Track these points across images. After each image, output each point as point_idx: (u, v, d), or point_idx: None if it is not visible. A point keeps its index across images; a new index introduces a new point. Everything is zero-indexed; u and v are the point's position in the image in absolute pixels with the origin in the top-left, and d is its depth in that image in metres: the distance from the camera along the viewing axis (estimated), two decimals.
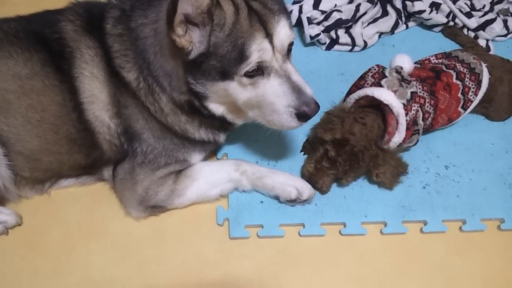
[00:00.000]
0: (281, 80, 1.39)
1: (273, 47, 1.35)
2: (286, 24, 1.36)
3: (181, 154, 1.63)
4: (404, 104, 1.63)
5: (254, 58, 1.32)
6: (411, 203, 1.75)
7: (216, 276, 1.58)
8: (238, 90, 1.40)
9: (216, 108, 1.52)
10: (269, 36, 1.33)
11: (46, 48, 1.52)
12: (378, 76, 1.70)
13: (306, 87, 1.41)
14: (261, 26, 1.32)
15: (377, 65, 1.75)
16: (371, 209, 1.73)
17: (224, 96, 1.45)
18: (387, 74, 1.69)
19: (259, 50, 1.31)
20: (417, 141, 1.75)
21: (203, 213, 1.70)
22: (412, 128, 1.67)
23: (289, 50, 1.43)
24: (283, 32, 1.35)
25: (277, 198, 1.69)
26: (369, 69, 1.75)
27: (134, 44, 1.49)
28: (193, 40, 1.32)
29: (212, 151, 1.78)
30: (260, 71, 1.36)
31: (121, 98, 1.54)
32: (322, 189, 1.70)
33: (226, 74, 1.36)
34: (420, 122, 1.69)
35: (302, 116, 1.42)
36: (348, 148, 1.61)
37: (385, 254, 1.67)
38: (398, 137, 1.66)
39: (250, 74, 1.35)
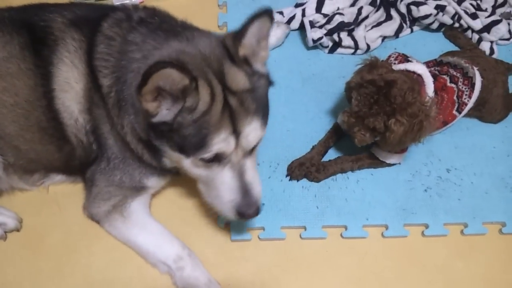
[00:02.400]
0: (234, 175, 1.37)
1: (237, 143, 1.32)
2: (257, 126, 1.33)
3: (137, 173, 1.57)
4: (433, 82, 1.66)
5: (213, 149, 1.29)
6: (412, 206, 1.75)
7: (217, 279, 1.57)
8: (191, 166, 1.38)
9: (170, 163, 1.49)
10: (236, 132, 1.30)
11: (30, 33, 1.50)
12: (401, 57, 1.74)
13: (255, 188, 1.39)
14: (230, 122, 1.28)
15: (397, 52, 1.79)
16: (373, 212, 1.73)
17: (178, 163, 1.43)
18: (409, 55, 1.74)
19: (220, 142, 1.28)
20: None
21: (204, 215, 1.70)
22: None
23: (254, 147, 1.40)
24: (252, 134, 1.33)
25: None
26: (390, 55, 1.78)
27: (119, 55, 1.44)
28: (162, 107, 1.27)
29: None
30: (217, 159, 1.34)
31: (95, 96, 1.50)
32: (355, 138, 1.62)
33: (183, 151, 1.33)
34: None
35: (241, 215, 1.41)
36: (367, 85, 1.54)
37: (386, 257, 1.67)
38: None
39: (206, 160, 1.33)
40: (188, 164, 1.38)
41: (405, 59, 1.74)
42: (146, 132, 1.39)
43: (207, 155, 1.30)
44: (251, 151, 1.40)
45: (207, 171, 1.38)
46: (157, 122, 1.29)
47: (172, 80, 1.18)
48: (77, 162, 1.61)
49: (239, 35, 1.30)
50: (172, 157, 1.41)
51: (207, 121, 1.25)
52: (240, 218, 1.43)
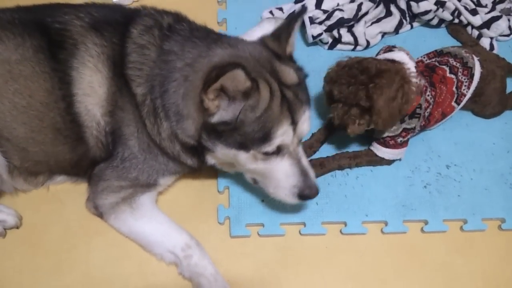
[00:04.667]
0: (293, 162, 1.46)
1: (294, 133, 1.42)
2: (309, 115, 1.45)
3: (155, 172, 1.60)
4: (415, 67, 1.64)
5: (277, 141, 1.38)
6: (412, 202, 1.76)
7: None
8: (249, 160, 1.44)
9: (212, 160, 1.54)
10: (294, 123, 1.40)
11: (44, 36, 1.51)
12: (388, 48, 1.76)
13: (311, 171, 1.50)
14: (289, 114, 1.38)
15: (386, 45, 1.80)
16: (372, 208, 1.73)
17: (230, 159, 1.48)
18: (396, 46, 1.75)
19: (283, 134, 1.38)
20: (415, 128, 1.71)
21: (204, 211, 1.71)
22: (419, 96, 1.63)
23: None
24: (306, 123, 1.44)
25: None
26: (380, 49, 1.80)
27: (156, 64, 1.48)
28: (221, 107, 1.34)
29: None
30: (277, 151, 1.42)
31: (119, 100, 1.52)
32: (348, 128, 1.63)
33: (243, 146, 1.39)
34: (423, 106, 1.68)
35: (304, 197, 1.50)
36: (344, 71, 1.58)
37: (386, 253, 1.67)
38: None
39: (267, 153, 1.41)
40: (245, 159, 1.43)
41: (389, 49, 1.75)
42: (197, 135, 1.43)
43: (271, 147, 1.38)
44: (300, 140, 1.50)
45: (266, 164, 1.44)
46: (216, 122, 1.36)
47: (237, 81, 1.27)
48: (88, 162, 1.62)
49: (285, 35, 1.45)
50: (226, 154, 1.44)
51: (269, 116, 1.34)
52: (302, 200, 1.52)
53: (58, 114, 1.52)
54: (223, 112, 1.34)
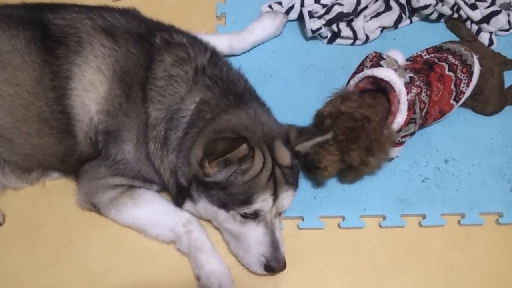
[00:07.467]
0: (266, 232, 1.50)
1: (274, 204, 1.48)
2: (291, 194, 1.52)
3: (151, 175, 1.62)
4: (404, 83, 1.61)
5: (255, 206, 1.45)
6: (410, 196, 1.76)
7: None
8: (227, 220, 1.50)
9: (189, 208, 1.58)
10: (275, 195, 1.47)
11: (38, 29, 1.53)
12: (376, 59, 1.70)
13: (282, 245, 1.53)
14: (273, 187, 1.46)
15: (374, 52, 1.74)
16: (370, 203, 1.74)
17: (209, 216, 1.55)
18: (384, 57, 1.70)
19: (262, 201, 1.45)
20: (414, 132, 1.72)
21: None
22: (412, 109, 1.63)
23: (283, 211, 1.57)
24: (287, 199, 1.51)
25: (197, 278, 1.57)
26: (367, 56, 1.75)
27: (184, 102, 1.52)
28: (217, 170, 1.42)
29: None
30: (254, 216, 1.48)
31: (125, 105, 1.54)
32: (326, 170, 1.62)
33: (225, 206, 1.46)
34: (417, 110, 1.67)
35: (269, 269, 1.52)
36: (345, 118, 1.57)
37: (384, 247, 1.68)
38: (400, 118, 1.61)
39: (245, 216, 1.47)
40: (225, 218, 1.49)
41: (378, 62, 1.67)
42: (188, 182, 1.50)
43: (249, 210, 1.45)
44: (280, 214, 1.56)
45: (242, 227, 1.50)
46: (208, 181, 1.43)
47: (238, 152, 1.36)
48: (75, 158, 1.61)
49: (305, 137, 1.50)
50: (207, 210, 1.51)
51: (255, 183, 1.43)
52: (268, 272, 1.53)
53: (46, 103, 1.52)
54: (217, 173, 1.42)
